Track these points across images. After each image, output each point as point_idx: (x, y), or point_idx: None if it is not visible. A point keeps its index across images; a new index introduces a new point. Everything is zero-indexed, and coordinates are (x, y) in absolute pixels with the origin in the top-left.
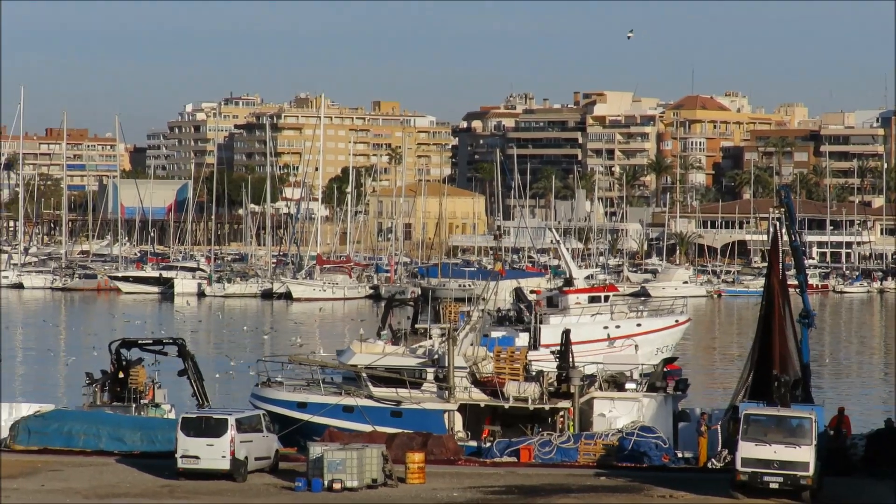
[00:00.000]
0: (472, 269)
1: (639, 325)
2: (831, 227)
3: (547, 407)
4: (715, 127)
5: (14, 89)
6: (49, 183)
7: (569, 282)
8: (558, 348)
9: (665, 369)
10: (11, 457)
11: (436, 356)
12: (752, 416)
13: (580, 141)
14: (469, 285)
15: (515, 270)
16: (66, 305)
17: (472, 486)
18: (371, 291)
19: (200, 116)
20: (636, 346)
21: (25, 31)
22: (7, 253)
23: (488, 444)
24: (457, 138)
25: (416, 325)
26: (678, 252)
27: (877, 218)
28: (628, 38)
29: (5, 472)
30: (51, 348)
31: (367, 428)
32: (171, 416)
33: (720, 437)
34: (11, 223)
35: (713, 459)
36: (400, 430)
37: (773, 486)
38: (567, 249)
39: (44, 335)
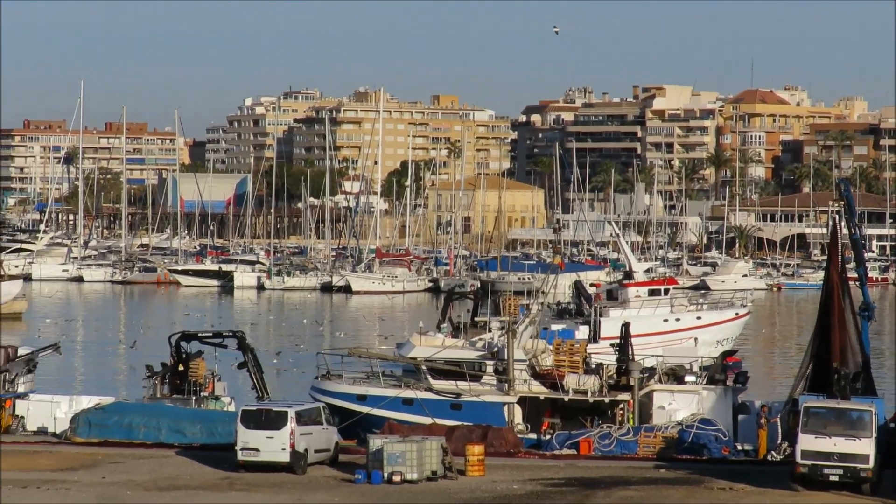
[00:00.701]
0: (531, 262)
1: (698, 318)
2: (891, 220)
3: (606, 399)
4: (774, 121)
5: (74, 84)
6: (109, 177)
7: (629, 275)
8: (618, 341)
9: (725, 362)
10: (72, 449)
11: (495, 349)
12: (812, 408)
13: (639, 135)
14: (528, 278)
15: (574, 264)
16: (126, 299)
17: (532, 479)
18: (430, 284)
19: (260, 111)
20: (696, 340)
21: (85, 27)
22: (67, 246)
23: (548, 437)
24: (516, 132)
25: (476, 318)
26: (737, 245)
27: None
28: (555, 32)
29: (65, 463)
30: (110, 341)
31: (426, 420)
32: (231, 408)
33: (780, 430)
34: (71, 217)
35: (773, 452)
36: (459, 423)
37: (832, 478)
38: (626, 243)
39: (104, 328)
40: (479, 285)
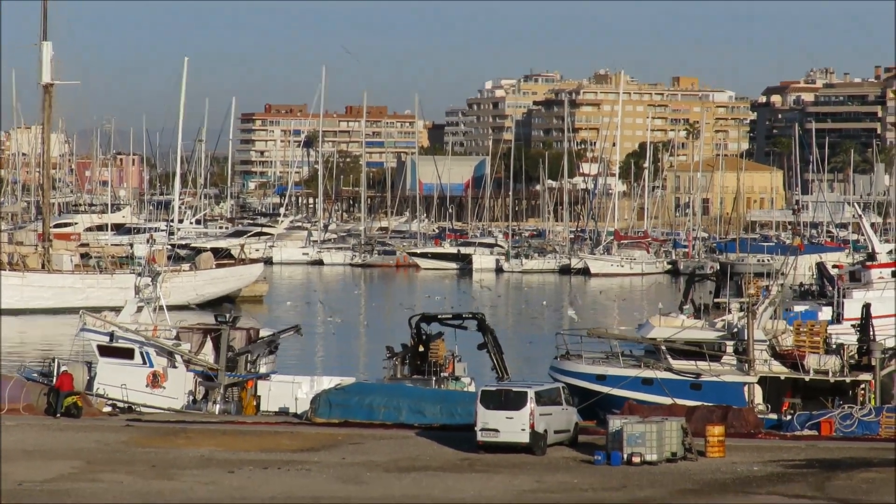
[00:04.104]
0: (770, 244)
1: None
2: None
3: (848, 380)
4: None
5: (315, 69)
6: (348, 160)
7: (871, 256)
8: (859, 322)
9: None
10: (312, 429)
11: (735, 329)
12: None
13: (879, 115)
14: (767, 260)
15: (814, 245)
16: (366, 281)
17: (772, 460)
18: (669, 267)
19: (499, 93)
20: None
21: (329, 9)
22: (307, 230)
23: (788, 417)
24: (755, 113)
25: (717, 300)
26: None
27: None
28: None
29: (306, 444)
30: (347, 323)
31: (666, 401)
32: (471, 389)
33: None
34: (311, 200)
35: None
36: (699, 403)
37: None
38: (868, 224)
39: (345, 311)
40: (717, 267)
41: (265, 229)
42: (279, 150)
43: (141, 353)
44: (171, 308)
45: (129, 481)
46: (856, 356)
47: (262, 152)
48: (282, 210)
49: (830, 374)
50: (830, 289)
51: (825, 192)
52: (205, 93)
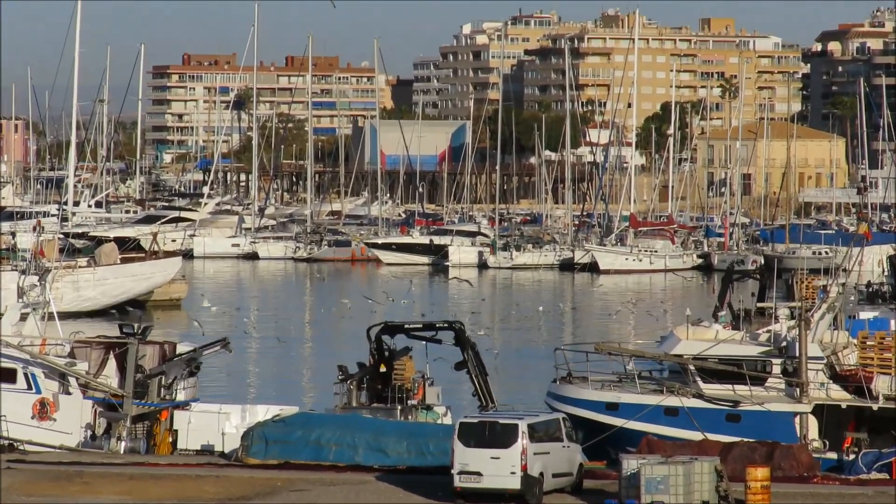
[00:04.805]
0: (830, 231)
1: None
2: None
3: None
4: None
5: (247, 9)
6: (290, 126)
7: None
8: None
9: None
10: (244, 473)
11: (784, 343)
12: None
13: None
14: (825, 253)
15: (885, 233)
16: (313, 281)
17: None
18: (699, 261)
19: (481, 40)
20: None
21: None
22: (238, 215)
23: (851, 457)
24: (808, 65)
25: (761, 304)
26: None
27: None
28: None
29: (236, 491)
30: (289, 336)
31: (695, 436)
32: (447, 420)
33: None
34: (243, 177)
35: None
36: (738, 439)
37: None
38: None
39: (285, 319)
40: (762, 262)
41: (184, 214)
42: (202, 114)
43: (25, 376)
44: (64, 316)
45: None
46: None
47: (179, 116)
48: (205, 189)
49: None
50: None
51: None
52: (107, 39)
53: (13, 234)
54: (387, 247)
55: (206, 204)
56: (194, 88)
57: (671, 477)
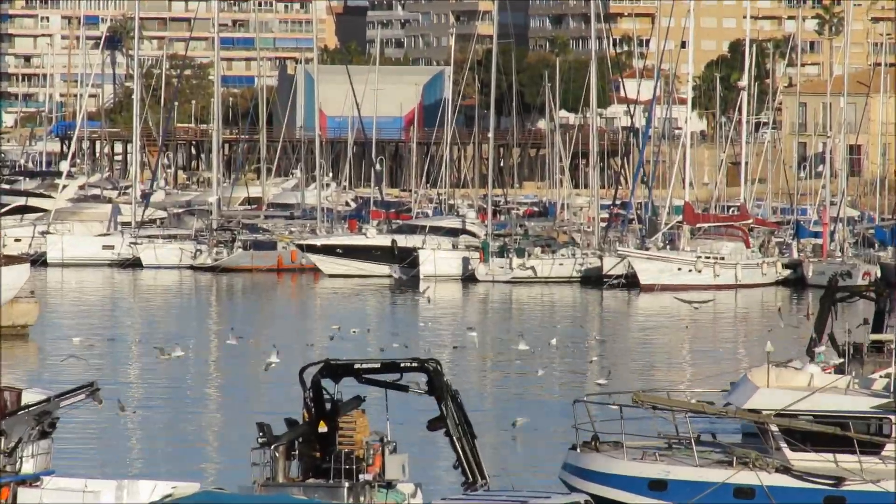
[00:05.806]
0: None
1: None
2: None
3: None
4: None
5: None
6: (188, 73)
7: None
8: None
9: None
10: None
11: None
12: None
13: None
14: None
15: None
16: (220, 300)
17: None
18: (786, 273)
19: None
20: None
21: None
22: (112, 203)
23: None
24: None
25: (877, 337)
26: None
27: None
28: None
29: None
30: (186, 381)
31: None
32: None
33: None
34: (119, 147)
35: None
36: None
37: None
38: None
39: (181, 355)
40: (879, 274)
41: (33, 202)
42: (58, 55)
43: None
44: None
45: None
46: None
47: (26, 58)
48: (64, 166)
49: None
50: None
51: None
52: None
53: None
54: (329, 250)
55: (64, 187)
56: (47, 18)
57: None
